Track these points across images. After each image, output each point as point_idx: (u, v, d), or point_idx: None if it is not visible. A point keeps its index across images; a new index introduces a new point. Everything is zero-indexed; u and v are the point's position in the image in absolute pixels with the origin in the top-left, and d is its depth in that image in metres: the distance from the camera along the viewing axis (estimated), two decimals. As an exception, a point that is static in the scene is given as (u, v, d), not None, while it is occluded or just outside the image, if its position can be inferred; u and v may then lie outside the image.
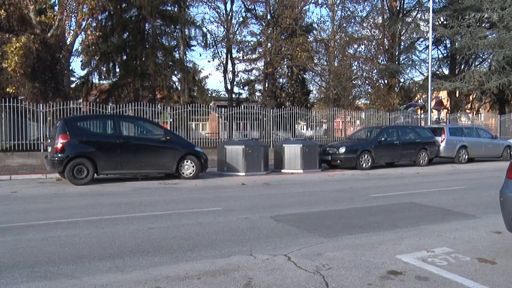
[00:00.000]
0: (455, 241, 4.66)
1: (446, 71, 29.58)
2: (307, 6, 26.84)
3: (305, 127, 24.11)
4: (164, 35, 25.66)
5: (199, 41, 26.88)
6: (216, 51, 26.86)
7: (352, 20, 26.77)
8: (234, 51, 27.16)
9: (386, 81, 27.69)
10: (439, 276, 3.54)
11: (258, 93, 29.85)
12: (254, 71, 28.16)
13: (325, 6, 26.32)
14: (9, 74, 14.31)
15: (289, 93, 27.86)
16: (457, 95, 28.46)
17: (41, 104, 14.47)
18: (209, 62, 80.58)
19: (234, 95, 28.25)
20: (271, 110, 18.96)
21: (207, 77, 38.79)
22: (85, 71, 25.36)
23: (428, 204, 7.11)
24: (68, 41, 18.14)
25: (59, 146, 9.64)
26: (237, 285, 3.35)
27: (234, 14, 26.47)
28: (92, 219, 5.85)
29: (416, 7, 28.08)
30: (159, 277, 3.52)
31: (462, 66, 28.53)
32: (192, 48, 28.90)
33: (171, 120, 17.12)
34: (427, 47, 24.47)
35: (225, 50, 26.85)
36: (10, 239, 4.80)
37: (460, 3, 25.55)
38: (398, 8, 28.21)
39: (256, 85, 29.37)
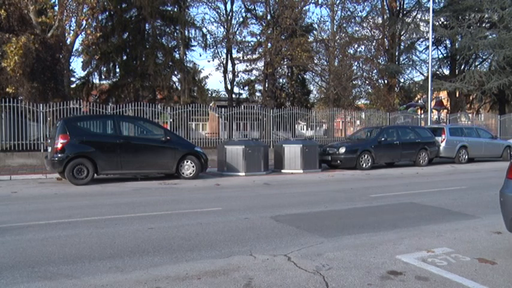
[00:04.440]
0: (455, 241, 4.66)
1: (446, 71, 29.60)
2: (307, 7, 26.96)
3: (305, 127, 24.11)
4: (164, 35, 25.70)
5: (199, 42, 26.98)
6: (216, 51, 26.95)
7: (352, 20, 26.86)
8: (234, 51, 27.23)
9: (386, 82, 27.72)
10: (439, 277, 3.54)
11: (258, 94, 29.89)
12: (254, 71, 28.22)
13: (325, 6, 26.39)
14: (9, 74, 14.30)
15: (289, 93, 27.89)
16: (457, 95, 28.46)
17: (41, 104, 14.46)
18: (209, 62, 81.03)
19: (234, 95, 28.27)
20: (271, 110, 18.96)
21: (207, 77, 38.86)
22: (85, 71, 25.42)
23: (428, 204, 7.11)
24: (68, 41, 18.14)
25: (59, 146, 9.65)
26: (237, 285, 3.35)
27: (234, 14, 26.56)
28: (92, 219, 5.85)
29: (416, 7, 28.11)
30: (159, 277, 3.53)
31: (462, 67, 28.52)
32: (192, 48, 28.97)
33: (171, 120, 17.11)
34: (427, 47, 24.50)
35: (225, 50, 26.89)
36: (10, 239, 4.80)
37: (460, 3, 25.53)
38: (398, 8, 28.24)
39: (256, 85, 29.41)
